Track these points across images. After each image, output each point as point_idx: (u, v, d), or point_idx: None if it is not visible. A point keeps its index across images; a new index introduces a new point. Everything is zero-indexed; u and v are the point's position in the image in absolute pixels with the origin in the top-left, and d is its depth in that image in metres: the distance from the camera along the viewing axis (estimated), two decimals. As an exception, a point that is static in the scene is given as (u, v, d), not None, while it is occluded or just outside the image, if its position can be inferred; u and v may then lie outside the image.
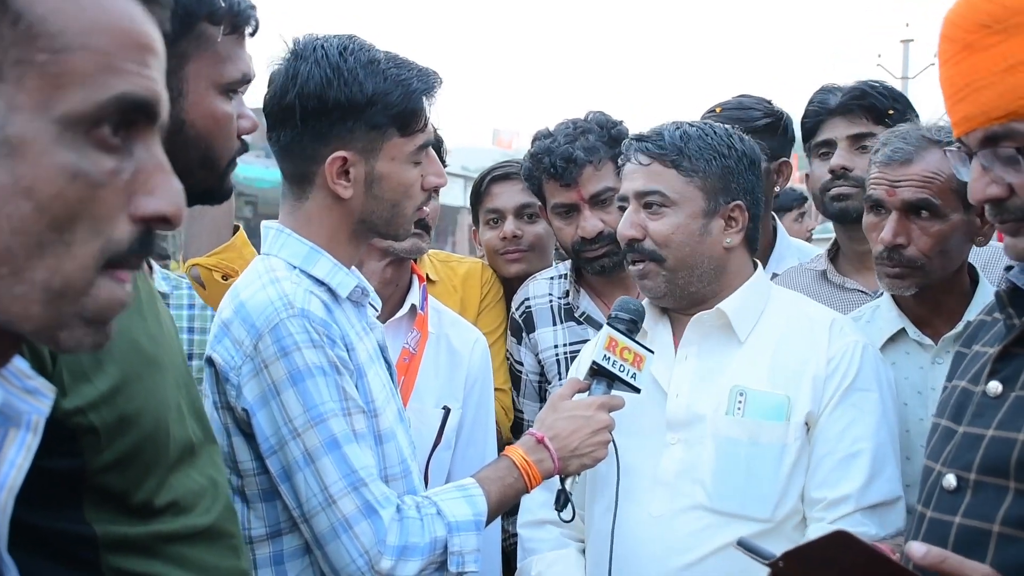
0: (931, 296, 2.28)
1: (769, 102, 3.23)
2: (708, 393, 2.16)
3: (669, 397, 2.18)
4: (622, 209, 2.26)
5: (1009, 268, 1.60)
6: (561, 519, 2.05)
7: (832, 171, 2.75)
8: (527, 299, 2.98)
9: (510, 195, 3.13)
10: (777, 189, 3.24)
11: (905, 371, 2.31)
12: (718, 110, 3.19)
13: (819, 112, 2.91)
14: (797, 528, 2.10)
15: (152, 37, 0.88)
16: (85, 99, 0.81)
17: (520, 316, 2.98)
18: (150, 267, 3.51)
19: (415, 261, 2.93)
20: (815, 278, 2.79)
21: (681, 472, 2.14)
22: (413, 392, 2.57)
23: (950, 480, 1.53)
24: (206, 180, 1.58)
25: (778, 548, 2.04)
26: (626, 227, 2.20)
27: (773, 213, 3.40)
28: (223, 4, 1.55)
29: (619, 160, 2.32)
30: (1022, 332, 1.53)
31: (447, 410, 2.60)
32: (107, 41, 0.83)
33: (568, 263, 3.00)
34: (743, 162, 2.23)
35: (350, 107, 1.83)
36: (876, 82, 2.87)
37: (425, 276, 2.89)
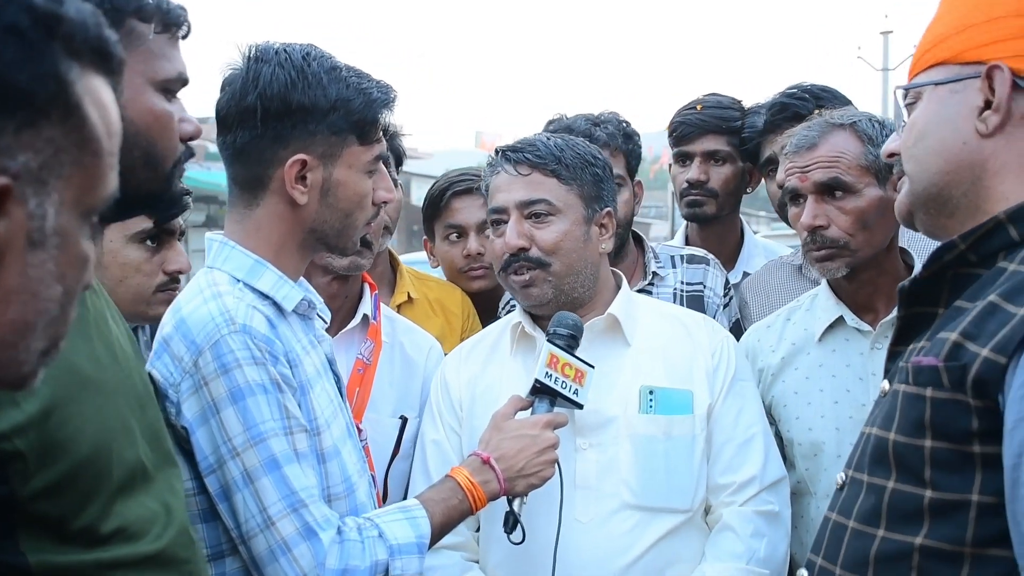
0: (866, 280, 2.33)
1: (740, 102, 3.30)
2: (613, 395, 2.22)
3: None
4: (496, 223, 2.29)
5: None
6: (511, 541, 2.02)
7: (780, 186, 2.81)
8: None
9: (471, 211, 3.03)
10: (749, 190, 3.31)
11: (846, 358, 2.36)
12: (699, 107, 3.25)
13: (752, 136, 3.05)
14: (702, 516, 2.24)
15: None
16: (100, 195, 0.93)
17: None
18: None
19: (395, 273, 2.91)
20: (791, 272, 2.88)
21: (600, 474, 2.17)
22: (369, 402, 2.52)
23: (839, 478, 1.57)
24: (151, 182, 1.54)
25: (693, 537, 2.18)
26: (513, 237, 2.23)
27: (741, 216, 3.46)
28: (151, 1, 1.54)
29: (483, 173, 2.38)
30: (899, 330, 1.53)
31: (404, 420, 2.55)
32: (115, 143, 0.94)
33: None
34: (607, 171, 2.32)
35: (314, 110, 1.82)
36: (793, 88, 2.97)
37: (406, 295, 2.88)
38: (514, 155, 2.25)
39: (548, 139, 2.27)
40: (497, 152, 2.32)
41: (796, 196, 2.33)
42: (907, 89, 1.53)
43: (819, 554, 1.51)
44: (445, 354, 2.73)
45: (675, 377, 2.23)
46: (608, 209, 2.29)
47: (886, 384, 1.53)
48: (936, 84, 1.47)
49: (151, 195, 1.56)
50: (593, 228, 2.26)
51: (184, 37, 1.61)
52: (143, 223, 2.34)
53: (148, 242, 2.39)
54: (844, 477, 1.54)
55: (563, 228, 2.22)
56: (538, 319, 2.32)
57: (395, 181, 2.98)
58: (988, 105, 1.41)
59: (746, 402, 2.27)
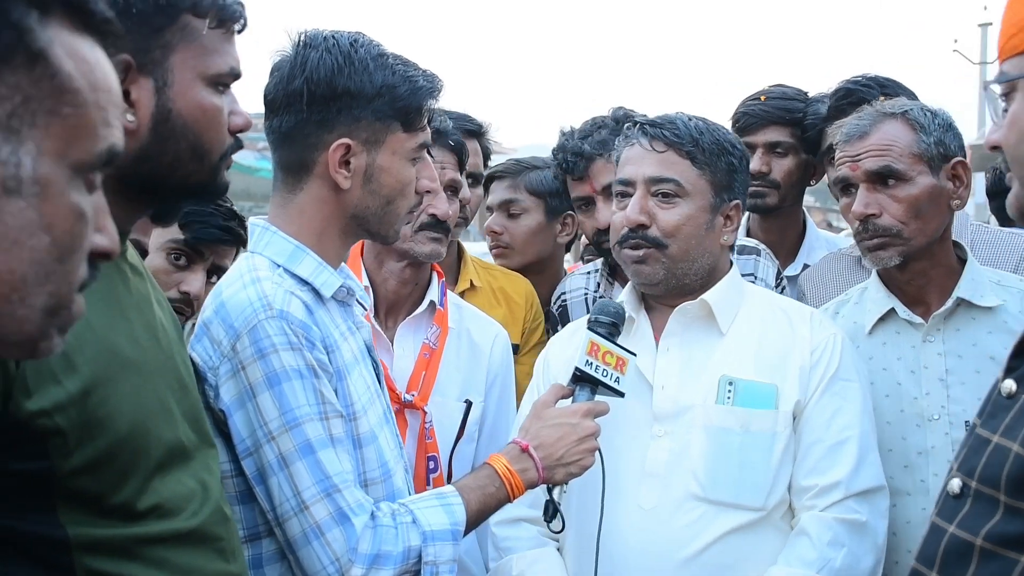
0: (919, 271, 2.28)
1: (806, 94, 3.25)
2: (695, 383, 2.15)
3: (655, 389, 2.15)
4: (621, 195, 2.23)
5: None
6: (551, 530, 2.00)
7: None
8: (564, 293, 2.99)
9: (498, 192, 3.26)
10: (812, 182, 3.25)
11: (897, 351, 2.30)
12: (763, 98, 3.19)
13: (815, 123, 3.01)
14: (784, 518, 2.13)
15: (120, 93, 1.01)
16: (90, 149, 0.94)
17: (556, 310, 2.99)
18: None
19: (460, 265, 3.00)
20: (851, 264, 2.83)
21: (671, 463, 2.11)
22: (435, 386, 2.57)
23: (954, 485, 1.42)
24: (198, 173, 1.56)
25: (769, 538, 2.07)
26: (634, 212, 2.16)
27: (805, 208, 3.40)
28: None
29: (617, 141, 2.30)
30: None
31: (469, 403, 2.59)
32: (104, 98, 0.96)
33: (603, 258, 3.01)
34: (743, 163, 2.23)
35: (359, 95, 1.84)
36: (858, 77, 2.92)
37: (469, 282, 2.95)
38: (652, 130, 2.18)
39: (689, 119, 2.20)
40: (634, 124, 2.24)
41: (848, 186, 2.29)
42: (998, 82, 1.39)
43: (932, 568, 1.40)
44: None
45: (762, 370, 2.14)
46: (737, 201, 2.22)
47: (1012, 385, 1.38)
48: None
49: (197, 185, 1.59)
50: (718, 218, 2.19)
51: (240, 32, 1.62)
52: (175, 233, 2.42)
53: (175, 256, 2.47)
54: (962, 485, 1.40)
55: (687, 212, 2.15)
56: (646, 299, 2.27)
57: (479, 176, 3.07)
58: None
59: (845, 403, 2.13)
